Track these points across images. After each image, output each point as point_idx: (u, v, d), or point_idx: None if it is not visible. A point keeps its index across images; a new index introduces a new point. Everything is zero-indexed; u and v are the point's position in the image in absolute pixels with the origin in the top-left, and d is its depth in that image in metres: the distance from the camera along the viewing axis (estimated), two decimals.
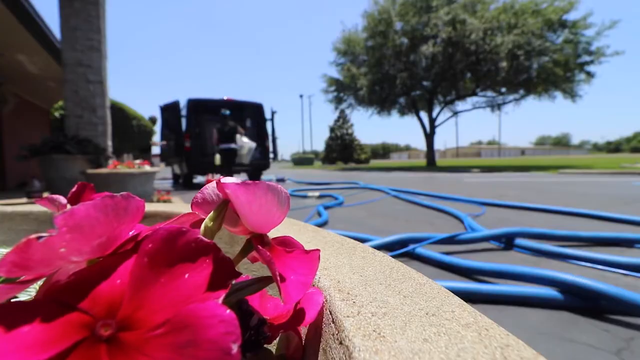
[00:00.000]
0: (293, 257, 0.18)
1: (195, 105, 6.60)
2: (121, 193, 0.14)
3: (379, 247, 1.60)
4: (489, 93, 15.48)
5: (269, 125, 7.50)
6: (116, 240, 0.15)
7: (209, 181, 0.19)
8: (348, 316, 0.17)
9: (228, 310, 0.11)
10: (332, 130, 32.48)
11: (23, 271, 0.12)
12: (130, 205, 0.14)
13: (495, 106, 15.89)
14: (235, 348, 0.10)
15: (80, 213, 0.12)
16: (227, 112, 5.25)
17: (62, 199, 0.22)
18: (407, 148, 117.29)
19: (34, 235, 0.11)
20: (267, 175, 9.13)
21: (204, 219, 0.19)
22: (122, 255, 0.14)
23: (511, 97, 15.03)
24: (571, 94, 13.46)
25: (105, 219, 0.13)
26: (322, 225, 2.41)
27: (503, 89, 14.54)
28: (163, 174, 12.13)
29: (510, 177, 7.13)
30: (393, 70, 14.64)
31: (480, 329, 0.16)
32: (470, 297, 1.10)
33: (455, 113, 17.29)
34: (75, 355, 0.11)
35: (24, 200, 3.33)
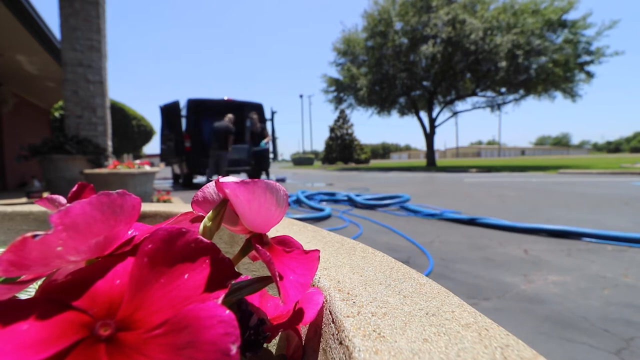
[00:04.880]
0: (292, 257, 0.18)
1: (195, 106, 6.60)
2: (117, 191, 0.14)
3: None
4: (489, 93, 15.48)
5: (269, 125, 7.50)
6: (114, 240, 0.15)
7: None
8: (348, 316, 0.17)
9: (227, 311, 0.11)
10: (332, 130, 32.48)
11: (21, 270, 0.12)
12: (126, 203, 0.14)
13: (495, 106, 15.89)
14: (234, 349, 0.10)
15: (76, 211, 0.12)
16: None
17: (62, 199, 0.22)
18: (407, 148, 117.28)
19: (29, 234, 0.11)
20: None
21: (203, 215, 0.19)
22: (121, 255, 0.14)
23: (511, 97, 15.03)
24: (571, 94, 13.47)
25: (101, 217, 0.13)
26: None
27: (503, 89, 14.53)
28: (163, 174, 12.13)
29: (510, 177, 7.14)
30: (393, 70, 14.63)
31: (480, 329, 0.16)
32: None
33: (455, 113, 17.29)
34: (74, 354, 0.11)
35: (24, 200, 3.34)
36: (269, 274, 0.18)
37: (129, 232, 0.18)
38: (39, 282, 0.17)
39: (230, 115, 5.51)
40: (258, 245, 0.17)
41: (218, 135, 5.34)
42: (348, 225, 2.41)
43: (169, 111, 6.79)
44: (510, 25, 12.61)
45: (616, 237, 1.76)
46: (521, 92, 14.23)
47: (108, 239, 0.14)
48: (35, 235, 0.11)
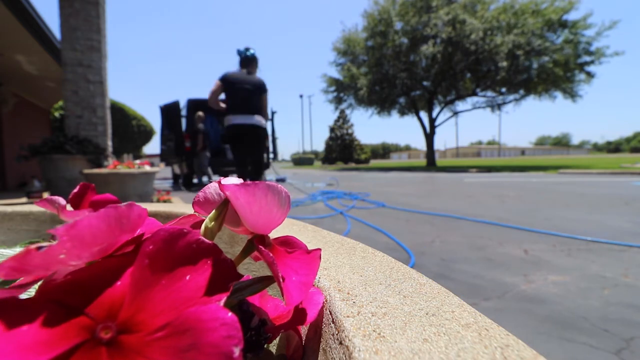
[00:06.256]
0: (294, 258, 0.18)
1: (195, 106, 6.60)
2: (125, 203, 0.14)
3: None
4: (489, 93, 15.48)
5: (269, 125, 7.50)
6: (117, 245, 0.15)
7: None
8: (348, 316, 0.17)
9: (230, 313, 0.11)
10: (332, 130, 32.48)
11: (21, 274, 0.12)
12: (132, 213, 0.14)
13: (495, 106, 15.89)
14: (237, 351, 0.10)
15: (82, 224, 0.12)
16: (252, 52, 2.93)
17: (62, 200, 0.22)
18: (407, 148, 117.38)
19: (34, 246, 0.11)
20: (268, 176, 9.13)
21: (204, 220, 0.19)
22: (122, 256, 0.14)
23: (511, 97, 15.03)
24: (571, 94, 13.47)
25: (107, 229, 0.13)
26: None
27: (503, 89, 14.54)
28: (163, 174, 12.13)
29: (510, 177, 7.13)
30: (393, 70, 14.63)
31: (480, 329, 0.16)
32: None
33: (455, 113, 17.29)
34: (75, 357, 0.11)
35: (24, 200, 3.34)
36: (270, 274, 0.18)
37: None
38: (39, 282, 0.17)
39: (199, 114, 5.59)
40: (261, 247, 0.17)
41: (193, 138, 5.55)
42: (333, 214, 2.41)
43: (169, 111, 6.79)
44: (511, 25, 12.61)
45: None
46: (521, 92, 14.23)
47: (111, 245, 0.14)
48: (39, 247, 0.11)
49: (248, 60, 2.77)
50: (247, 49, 2.79)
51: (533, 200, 3.46)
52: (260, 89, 2.72)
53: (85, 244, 0.12)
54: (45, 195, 3.47)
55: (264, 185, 0.17)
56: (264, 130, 2.79)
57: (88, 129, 3.33)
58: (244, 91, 2.65)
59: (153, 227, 0.19)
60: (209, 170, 5.62)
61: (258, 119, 2.68)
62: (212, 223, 0.18)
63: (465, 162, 21.69)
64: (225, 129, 2.76)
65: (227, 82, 2.64)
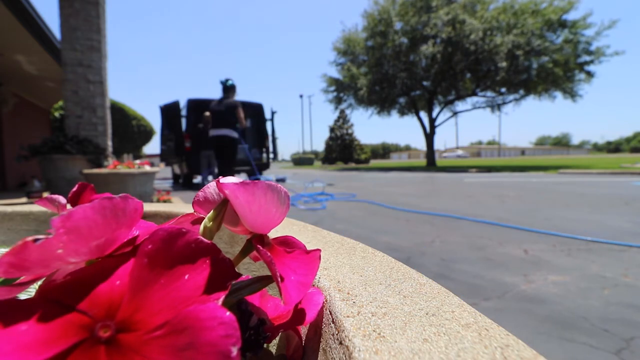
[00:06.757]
0: (293, 257, 0.18)
1: (195, 106, 6.61)
2: (120, 195, 0.14)
3: None
4: (489, 93, 15.47)
5: (268, 125, 7.50)
6: (115, 242, 0.15)
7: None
8: (348, 316, 0.17)
9: (228, 312, 0.11)
10: (332, 130, 32.47)
11: (21, 272, 0.12)
12: (128, 206, 0.14)
13: (495, 106, 15.88)
14: (234, 351, 0.10)
15: (78, 215, 0.12)
16: (230, 82, 4.24)
17: (62, 199, 0.22)
18: (407, 148, 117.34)
19: (30, 238, 0.11)
20: (267, 175, 9.13)
21: (204, 218, 0.19)
22: (121, 256, 0.14)
23: (511, 97, 15.02)
24: (571, 94, 13.47)
25: (103, 221, 0.13)
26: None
27: (503, 89, 14.53)
28: (163, 174, 12.13)
29: (510, 177, 7.13)
30: (393, 70, 14.62)
31: (480, 329, 0.16)
32: None
33: (455, 113, 17.28)
34: (74, 356, 0.11)
35: (24, 200, 3.34)
36: (270, 274, 0.18)
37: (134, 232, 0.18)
38: (39, 282, 0.17)
39: (207, 114, 5.61)
40: (259, 246, 0.17)
41: (195, 137, 5.75)
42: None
43: (169, 111, 6.80)
44: (510, 25, 12.61)
45: None
46: (521, 92, 14.23)
47: (109, 241, 0.14)
48: (36, 240, 0.11)
49: (227, 89, 4.15)
50: (227, 80, 4.17)
51: (533, 200, 3.46)
52: (232, 109, 4.09)
53: (82, 236, 0.12)
54: (46, 195, 3.47)
55: (263, 184, 0.17)
56: (234, 139, 4.17)
57: (88, 129, 3.33)
58: (219, 113, 4.10)
59: (149, 229, 0.19)
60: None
61: (228, 131, 4.09)
62: (211, 223, 0.18)
63: (465, 162, 21.69)
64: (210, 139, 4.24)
65: (210, 110, 4.22)
